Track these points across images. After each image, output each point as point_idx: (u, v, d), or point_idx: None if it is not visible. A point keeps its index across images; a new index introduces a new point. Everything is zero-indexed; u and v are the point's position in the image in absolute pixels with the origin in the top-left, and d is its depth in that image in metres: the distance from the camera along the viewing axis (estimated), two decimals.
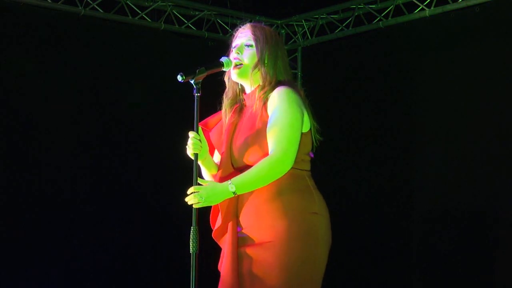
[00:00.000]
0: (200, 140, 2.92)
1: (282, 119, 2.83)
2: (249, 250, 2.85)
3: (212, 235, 3.01)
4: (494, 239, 5.55)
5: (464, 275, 5.66)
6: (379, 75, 6.43)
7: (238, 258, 2.87)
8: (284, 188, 2.85)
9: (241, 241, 2.89)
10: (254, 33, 3.00)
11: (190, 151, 2.93)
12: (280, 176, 2.83)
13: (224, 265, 2.91)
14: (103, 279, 5.90)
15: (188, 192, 2.82)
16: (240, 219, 2.92)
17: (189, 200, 2.82)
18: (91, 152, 5.95)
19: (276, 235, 2.80)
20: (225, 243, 2.95)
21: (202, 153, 2.98)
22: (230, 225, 2.93)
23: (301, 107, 2.88)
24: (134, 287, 6.07)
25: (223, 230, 2.96)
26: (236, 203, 2.93)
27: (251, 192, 2.88)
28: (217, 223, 2.99)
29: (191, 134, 2.91)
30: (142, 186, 6.16)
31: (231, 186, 2.80)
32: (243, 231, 2.90)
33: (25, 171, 5.62)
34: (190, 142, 2.91)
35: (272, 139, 2.82)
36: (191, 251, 2.74)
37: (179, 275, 5.11)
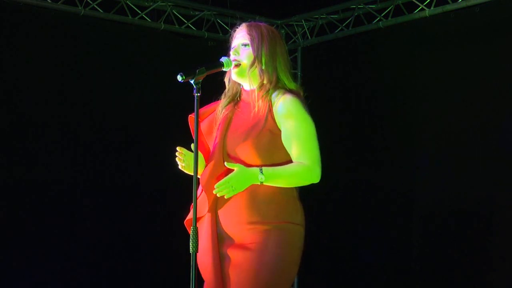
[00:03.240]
0: (184, 154, 2.97)
1: (304, 131, 2.88)
2: (230, 250, 2.87)
3: (185, 223, 2.97)
4: (494, 239, 5.56)
5: (464, 275, 5.66)
6: (379, 75, 6.43)
7: (220, 257, 2.88)
8: (269, 195, 2.86)
9: (220, 238, 2.90)
10: (248, 32, 3.00)
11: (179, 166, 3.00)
12: (307, 184, 2.90)
13: (207, 265, 2.90)
14: (103, 279, 5.90)
15: (216, 186, 2.80)
16: (220, 213, 2.90)
17: (220, 192, 2.80)
18: (90, 152, 5.96)
19: (258, 238, 2.82)
20: (202, 237, 2.90)
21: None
22: (208, 217, 2.91)
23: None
24: (134, 287, 6.07)
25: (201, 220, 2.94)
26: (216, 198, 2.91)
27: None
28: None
29: (178, 149, 2.97)
30: (141, 185, 6.16)
31: (261, 176, 2.80)
32: (222, 227, 2.90)
33: (25, 171, 5.63)
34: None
35: (299, 149, 2.86)
36: (191, 251, 2.73)
37: (179, 275, 5.11)
